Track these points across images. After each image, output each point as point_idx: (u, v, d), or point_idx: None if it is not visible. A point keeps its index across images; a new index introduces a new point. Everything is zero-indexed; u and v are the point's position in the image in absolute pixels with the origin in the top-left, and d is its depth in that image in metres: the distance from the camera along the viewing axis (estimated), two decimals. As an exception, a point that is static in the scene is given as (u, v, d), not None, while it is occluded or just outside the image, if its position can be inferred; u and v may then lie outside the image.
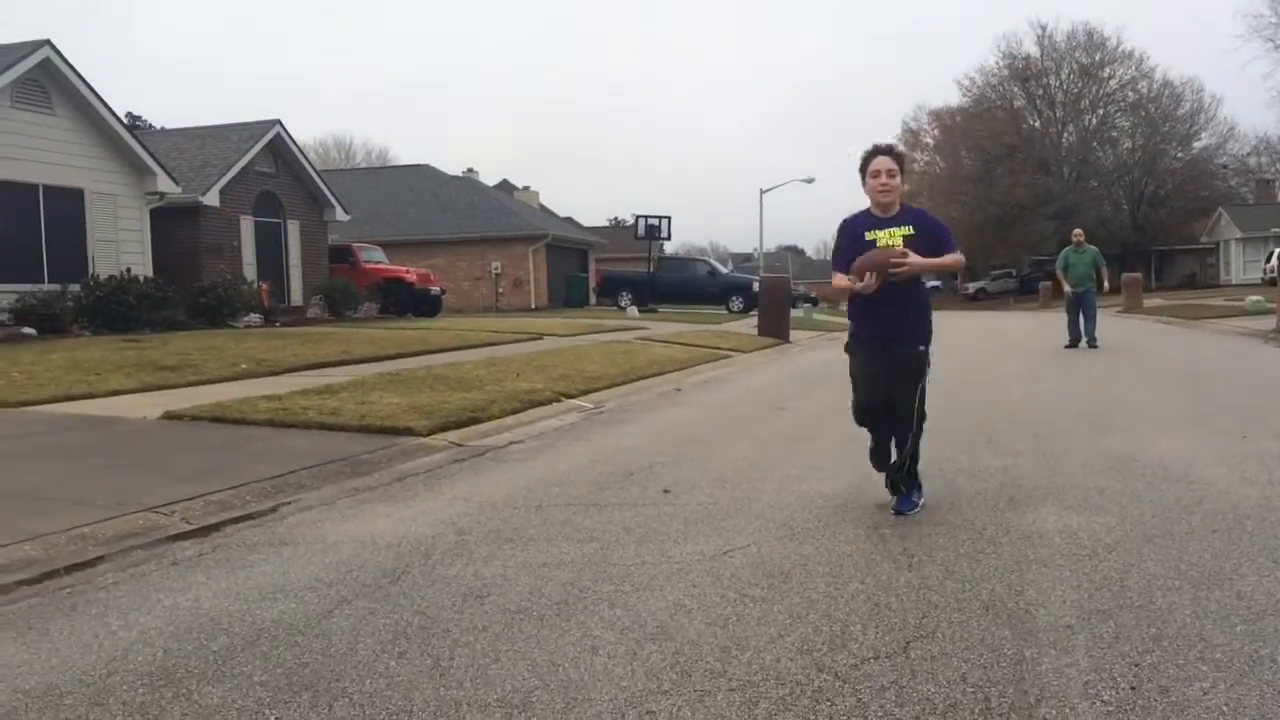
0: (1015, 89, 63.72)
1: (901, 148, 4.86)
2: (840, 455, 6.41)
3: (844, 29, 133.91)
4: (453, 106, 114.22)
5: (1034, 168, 59.80)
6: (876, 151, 4.92)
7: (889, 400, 4.86)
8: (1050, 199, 56.51)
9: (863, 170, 4.92)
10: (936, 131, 68.51)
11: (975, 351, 17.38)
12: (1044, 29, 61.62)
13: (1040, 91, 62.87)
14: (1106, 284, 16.82)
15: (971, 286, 64.56)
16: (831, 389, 11.27)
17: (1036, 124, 64.13)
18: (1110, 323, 22.58)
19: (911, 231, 4.79)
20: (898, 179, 4.86)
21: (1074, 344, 16.25)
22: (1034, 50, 62.08)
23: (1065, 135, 62.90)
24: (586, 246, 45.60)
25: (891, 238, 4.78)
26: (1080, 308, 16.34)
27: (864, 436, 5.20)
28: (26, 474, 5.93)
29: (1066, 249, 17.02)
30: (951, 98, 74.58)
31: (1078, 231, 17.31)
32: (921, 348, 4.88)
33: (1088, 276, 16.35)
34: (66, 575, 4.13)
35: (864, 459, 5.25)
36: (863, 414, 5.02)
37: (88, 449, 6.74)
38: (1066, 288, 16.75)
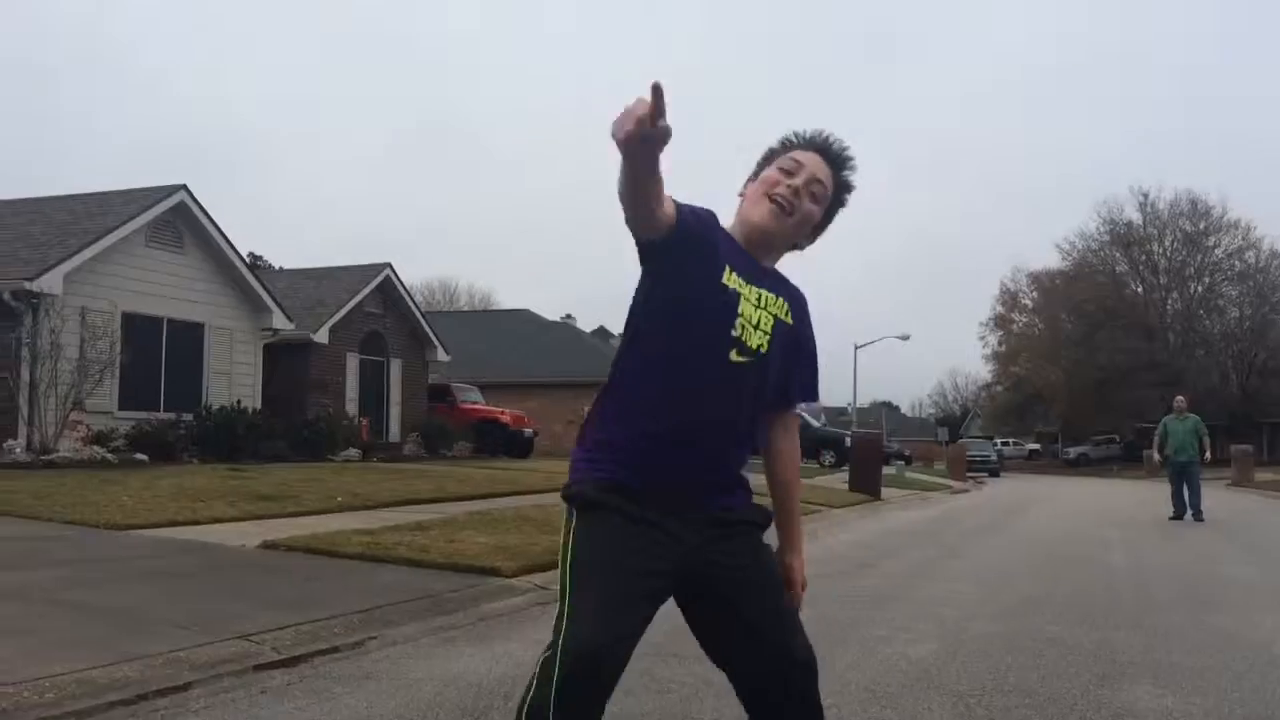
0: (1117, 254, 63.30)
1: (854, 166, 2.36)
2: (929, 618, 6.27)
3: (940, 187, 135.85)
4: (554, 252, 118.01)
5: (1137, 333, 58.82)
6: (821, 149, 2.32)
7: (633, 636, 2.11)
8: (1154, 365, 55.28)
9: (768, 158, 2.35)
10: (1035, 293, 68.13)
11: (1074, 518, 16.91)
12: (1146, 196, 61.48)
13: (1143, 257, 62.34)
14: (1209, 454, 16.32)
15: (1073, 451, 62.92)
16: (923, 549, 11.07)
17: (1139, 289, 63.37)
18: (1218, 496, 21.75)
19: (788, 316, 2.30)
20: (816, 209, 2.30)
21: (1178, 516, 15.71)
22: (1136, 216, 61.90)
23: (1169, 302, 61.96)
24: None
25: (758, 306, 2.22)
26: (1183, 479, 15.86)
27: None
28: (130, 595, 6.15)
29: (1167, 416, 16.65)
30: (1050, 260, 74.32)
31: (1179, 399, 16.94)
32: (766, 539, 2.34)
33: (1189, 445, 15.90)
34: (160, 698, 4.25)
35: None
36: (584, 677, 1.98)
37: (188, 574, 6.96)
38: (1156, 455, 16.63)
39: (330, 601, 6.17)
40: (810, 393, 2.41)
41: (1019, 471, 55.62)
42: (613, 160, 1.88)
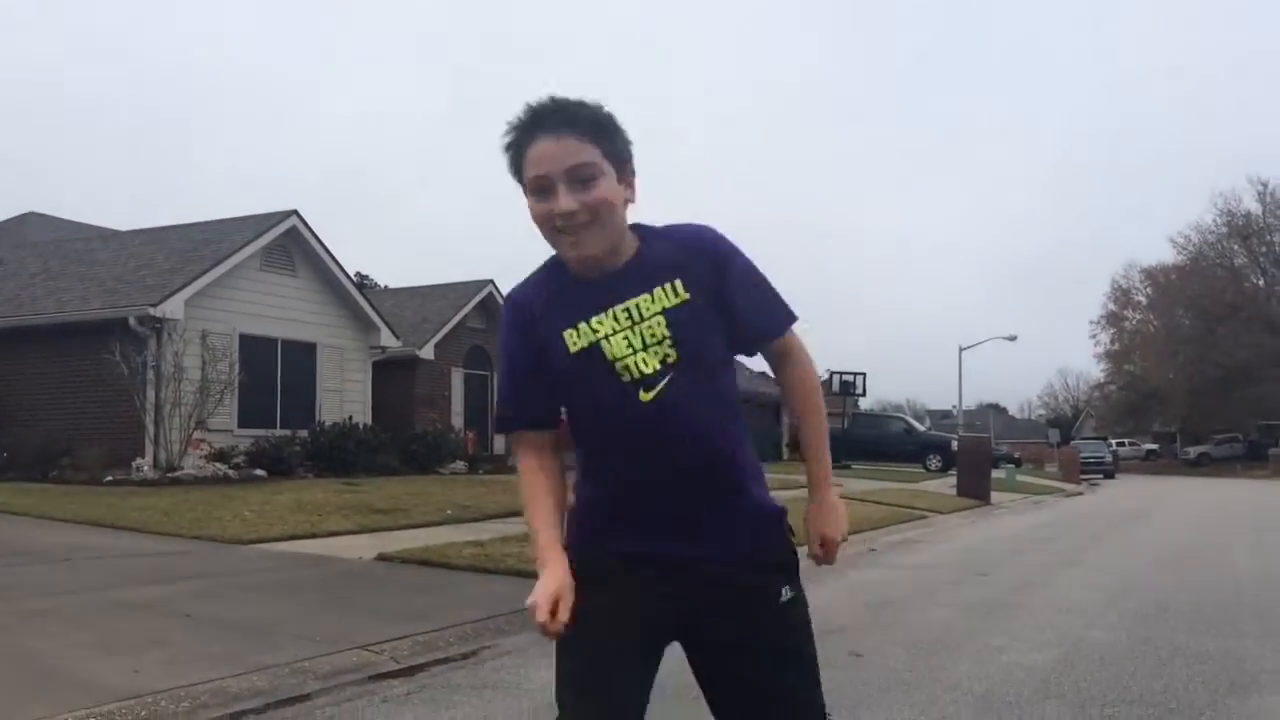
0: (1235, 246, 60.83)
1: (600, 108, 1.82)
2: (1046, 627, 6.14)
3: (1049, 183, 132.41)
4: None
5: (1259, 328, 56.35)
6: (535, 125, 1.80)
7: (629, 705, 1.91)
8: (1279, 361, 52.95)
9: (515, 169, 1.85)
10: (1150, 289, 65.89)
11: (1196, 521, 16.32)
12: (1265, 185, 58.86)
13: (1263, 249, 59.77)
14: None
15: (1193, 451, 60.58)
16: (1038, 555, 10.81)
17: (1260, 283, 60.78)
18: (1353, 495, 20.72)
19: (684, 293, 1.85)
20: (601, 185, 1.79)
21: (1310, 517, 15.05)
22: (1254, 207, 59.28)
23: (1293, 295, 59.32)
24: (779, 401, 45.74)
25: (634, 324, 1.85)
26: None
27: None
28: (255, 608, 6.39)
29: (1297, 414, 15.97)
30: (1164, 254, 71.75)
31: (1310, 396, 16.22)
32: (787, 589, 1.98)
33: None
34: (288, 707, 4.42)
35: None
36: None
37: (308, 586, 7.21)
38: None
39: (444, 612, 6.32)
40: (775, 324, 1.98)
41: (1136, 473, 53.81)
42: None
